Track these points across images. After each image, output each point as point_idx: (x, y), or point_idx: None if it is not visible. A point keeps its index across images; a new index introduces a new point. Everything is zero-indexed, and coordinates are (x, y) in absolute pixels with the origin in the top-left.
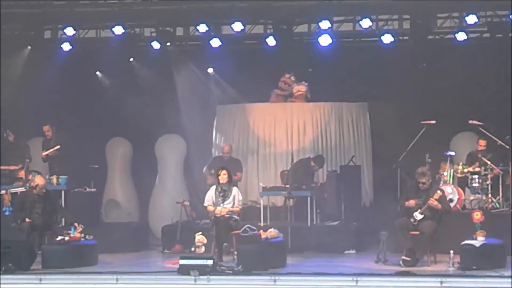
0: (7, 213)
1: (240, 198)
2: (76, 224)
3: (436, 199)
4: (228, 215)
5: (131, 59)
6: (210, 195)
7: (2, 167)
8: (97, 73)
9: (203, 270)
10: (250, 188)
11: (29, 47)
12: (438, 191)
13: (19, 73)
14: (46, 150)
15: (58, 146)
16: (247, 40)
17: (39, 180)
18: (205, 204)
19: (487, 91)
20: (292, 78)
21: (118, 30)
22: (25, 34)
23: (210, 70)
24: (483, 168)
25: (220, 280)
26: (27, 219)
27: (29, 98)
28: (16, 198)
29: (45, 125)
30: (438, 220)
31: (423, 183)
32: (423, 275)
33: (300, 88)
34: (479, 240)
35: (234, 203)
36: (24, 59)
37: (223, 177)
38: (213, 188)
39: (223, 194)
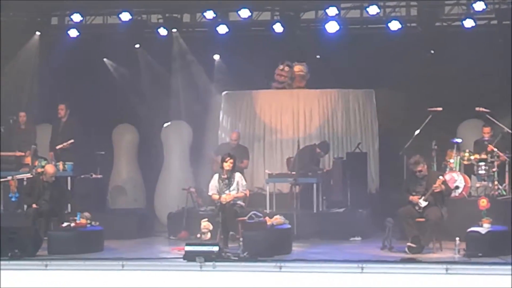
0: (13, 199)
1: (244, 183)
2: (86, 214)
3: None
4: (233, 202)
5: (137, 46)
6: (214, 184)
7: (9, 153)
8: (104, 59)
9: (208, 257)
10: (256, 175)
11: (38, 33)
12: (440, 177)
13: (31, 60)
14: (56, 134)
15: (72, 141)
16: (254, 27)
17: (49, 168)
18: (209, 193)
19: (494, 78)
20: (286, 68)
21: (125, 16)
22: (32, 21)
23: (217, 56)
24: (489, 155)
25: (225, 267)
26: (34, 205)
27: (36, 84)
28: (25, 184)
29: (61, 104)
30: (441, 205)
31: (420, 171)
32: (429, 262)
33: (302, 68)
34: (485, 227)
35: (238, 189)
36: (36, 45)
37: (229, 164)
38: (216, 176)
39: (227, 181)
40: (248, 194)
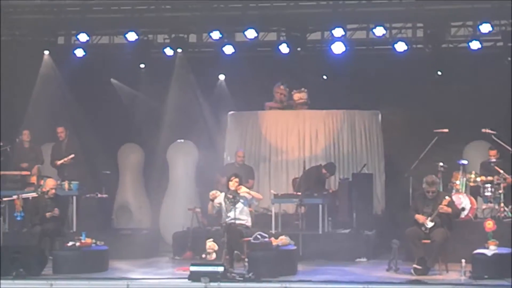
0: (18, 218)
1: (249, 196)
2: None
3: (445, 205)
4: (239, 222)
5: (142, 66)
6: (219, 201)
7: (14, 172)
8: (112, 79)
9: (213, 277)
10: (261, 195)
11: (47, 52)
12: (446, 197)
13: (51, 80)
14: (57, 155)
15: (73, 155)
16: (260, 47)
17: (49, 181)
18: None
19: (500, 100)
20: (287, 88)
21: (132, 36)
22: (38, 40)
23: (222, 77)
24: (495, 177)
25: (231, 287)
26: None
27: (41, 103)
28: (29, 203)
29: (60, 127)
30: (448, 227)
31: (433, 192)
32: (435, 284)
33: (302, 96)
34: (491, 249)
35: (245, 204)
36: (52, 65)
37: (234, 184)
38: (222, 194)
39: (233, 200)
40: (261, 197)
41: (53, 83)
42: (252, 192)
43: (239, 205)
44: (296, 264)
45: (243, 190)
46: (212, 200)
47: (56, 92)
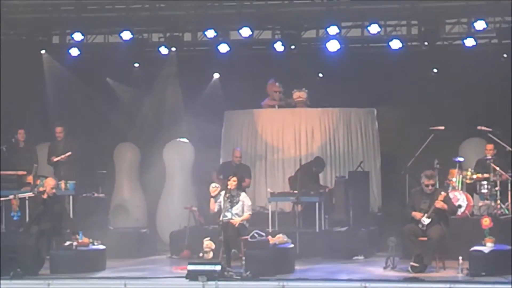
0: (15, 218)
1: (249, 203)
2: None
3: (441, 200)
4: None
5: (136, 65)
6: (220, 200)
7: (10, 172)
8: (107, 79)
9: (211, 276)
10: (258, 194)
11: (43, 51)
12: (442, 193)
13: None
14: (55, 154)
15: (69, 153)
16: (255, 46)
17: (50, 180)
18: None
19: (496, 97)
20: (280, 85)
21: (126, 35)
22: (33, 39)
23: (217, 75)
24: (492, 174)
25: (228, 286)
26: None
27: (36, 103)
28: (29, 202)
29: (59, 126)
30: (445, 223)
31: (432, 185)
32: (432, 281)
33: (301, 95)
34: (488, 246)
35: (243, 209)
36: (47, 63)
37: (233, 183)
38: (222, 193)
39: (231, 200)
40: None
41: (57, 82)
42: (243, 218)
43: (238, 206)
44: (293, 262)
45: (238, 220)
46: (213, 197)
47: (56, 91)
